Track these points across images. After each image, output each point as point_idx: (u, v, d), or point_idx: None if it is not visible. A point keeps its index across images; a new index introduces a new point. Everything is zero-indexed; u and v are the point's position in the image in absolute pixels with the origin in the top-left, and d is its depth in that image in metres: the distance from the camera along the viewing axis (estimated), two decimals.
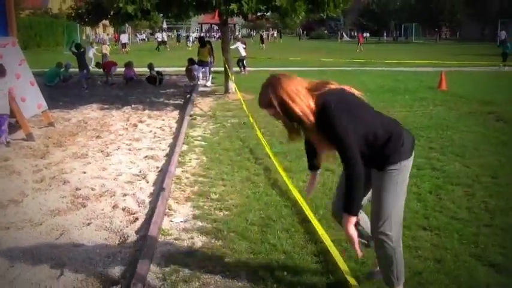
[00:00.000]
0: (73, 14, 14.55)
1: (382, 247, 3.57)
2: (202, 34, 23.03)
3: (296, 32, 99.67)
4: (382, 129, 3.41)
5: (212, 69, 19.81)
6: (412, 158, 3.55)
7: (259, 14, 15.85)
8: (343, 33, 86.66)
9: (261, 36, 55.86)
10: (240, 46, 22.78)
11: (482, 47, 47.68)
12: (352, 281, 3.89)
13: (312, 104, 3.21)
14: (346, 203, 3.32)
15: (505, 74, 22.06)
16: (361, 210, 3.73)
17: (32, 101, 10.37)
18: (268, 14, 15.85)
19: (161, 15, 14.75)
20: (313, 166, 3.95)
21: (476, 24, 65.22)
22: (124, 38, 45.47)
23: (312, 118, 3.20)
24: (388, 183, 3.47)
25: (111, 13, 13.86)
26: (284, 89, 3.19)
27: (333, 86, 3.35)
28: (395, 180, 3.47)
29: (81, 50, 19.26)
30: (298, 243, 4.91)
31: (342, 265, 4.13)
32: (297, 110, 3.19)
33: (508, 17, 52.77)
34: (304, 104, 3.19)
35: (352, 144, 3.21)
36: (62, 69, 19.34)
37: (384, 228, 3.51)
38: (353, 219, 3.28)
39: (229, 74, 15.59)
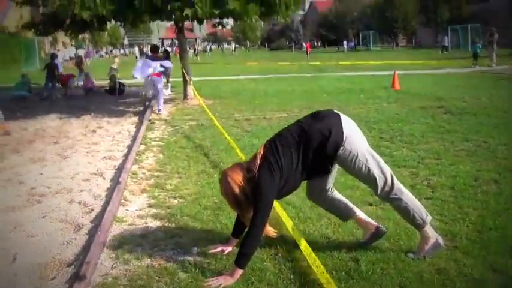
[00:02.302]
0: (27, 23, 14.47)
1: (395, 204, 4.12)
2: (158, 44, 23.07)
3: (257, 44, 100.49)
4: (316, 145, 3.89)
5: (171, 79, 19.84)
6: (347, 125, 3.98)
7: (215, 21, 16.12)
8: (303, 44, 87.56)
9: (195, 49, 58.25)
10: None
11: (433, 52, 48.99)
12: (304, 246, 4.07)
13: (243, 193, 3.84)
14: (239, 258, 3.82)
15: (464, 75, 22.69)
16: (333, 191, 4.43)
17: None
18: (227, 22, 16.07)
19: (118, 24, 14.75)
20: (235, 233, 4.41)
21: (429, 31, 66.86)
22: (80, 52, 45.19)
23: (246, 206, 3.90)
24: (350, 162, 3.97)
25: (67, 22, 13.90)
26: (229, 190, 3.85)
27: (259, 159, 3.88)
28: (352, 154, 3.93)
29: (55, 61, 19.19)
30: None
31: (295, 235, 4.32)
32: (238, 203, 3.90)
33: (457, 23, 54.38)
34: (243, 196, 3.83)
35: (266, 215, 3.83)
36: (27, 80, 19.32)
37: (382, 192, 4.04)
38: (240, 272, 3.81)
39: (187, 79, 15.73)
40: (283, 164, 3.85)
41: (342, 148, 3.89)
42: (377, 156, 4.07)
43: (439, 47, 51.18)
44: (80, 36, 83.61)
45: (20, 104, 16.70)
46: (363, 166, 3.96)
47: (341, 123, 3.96)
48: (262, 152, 3.94)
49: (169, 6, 11.97)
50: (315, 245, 4.16)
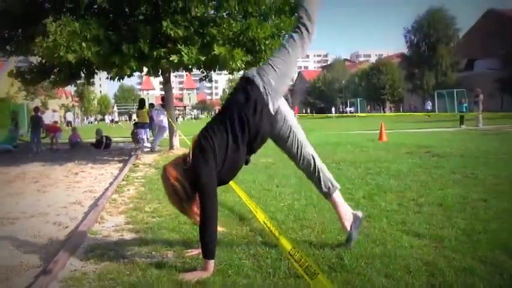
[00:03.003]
0: (15, 72, 14.46)
1: (310, 166, 4.39)
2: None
3: None
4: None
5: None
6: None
7: (202, 75, 16.26)
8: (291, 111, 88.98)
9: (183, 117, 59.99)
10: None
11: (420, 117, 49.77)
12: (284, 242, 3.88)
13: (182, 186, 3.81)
14: (204, 249, 3.75)
15: (450, 132, 22.84)
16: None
17: None
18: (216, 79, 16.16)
19: (106, 77, 14.77)
20: None
21: (416, 97, 68.27)
22: (69, 115, 45.54)
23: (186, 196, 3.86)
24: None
25: (55, 70, 13.95)
26: (168, 184, 3.86)
27: (192, 148, 3.87)
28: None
29: (38, 113, 19.17)
30: (233, 227, 4.95)
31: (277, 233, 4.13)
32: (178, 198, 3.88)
33: (443, 88, 55.64)
34: (182, 189, 3.80)
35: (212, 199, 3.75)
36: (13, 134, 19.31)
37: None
38: (212, 264, 3.73)
39: (174, 127, 15.67)
40: (216, 145, 3.77)
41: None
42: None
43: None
44: (70, 104, 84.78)
45: (4, 155, 16.48)
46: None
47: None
48: (194, 141, 3.89)
49: (155, 52, 12.05)
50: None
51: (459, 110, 28.33)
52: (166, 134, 17.78)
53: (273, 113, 3.98)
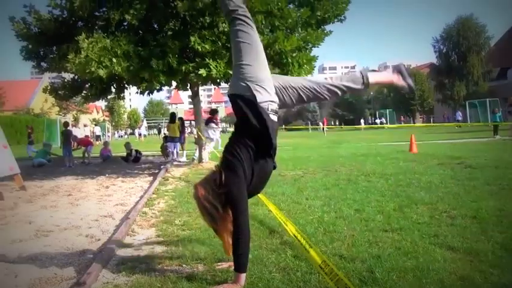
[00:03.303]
0: (49, 88, 14.78)
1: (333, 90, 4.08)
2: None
3: None
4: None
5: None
6: None
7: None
8: (320, 123, 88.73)
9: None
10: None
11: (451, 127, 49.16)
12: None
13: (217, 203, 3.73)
14: (237, 262, 3.73)
15: (483, 143, 22.49)
16: None
17: (4, 163, 10.38)
18: None
19: (136, 91, 14.95)
20: None
21: (447, 108, 67.38)
22: (97, 130, 46.29)
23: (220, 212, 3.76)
24: None
25: (87, 86, 14.19)
26: (199, 203, 3.80)
27: (219, 163, 3.89)
28: None
29: (68, 128, 19.51)
30: (263, 240, 4.93)
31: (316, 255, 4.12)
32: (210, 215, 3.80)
33: (475, 98, 54.77)
34: (212, 207, 3.73)
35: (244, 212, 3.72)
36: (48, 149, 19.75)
37: None
38: (244, 277, 3.72)
39: (203, 139, 15.77)
40: (243, 158, 3.74)
41: None
42: None
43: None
44: (100, 119, 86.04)
45: (39, 169, 16.85)
46: None
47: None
48: (221, 158, 3.90)
49: (184, 67, 12.18)
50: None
51: (493, 120, 27.83)
52: (212, 146, 18.13)
53: (270, 99, 3.85)
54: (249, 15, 3.96)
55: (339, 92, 4.10)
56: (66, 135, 18.85)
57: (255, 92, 3.74)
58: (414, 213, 6.10)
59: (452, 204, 6.58)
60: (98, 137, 45.03)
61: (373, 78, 4.12)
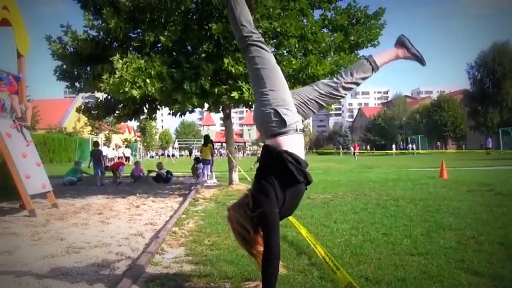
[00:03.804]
0: (82, 107, 15.14)
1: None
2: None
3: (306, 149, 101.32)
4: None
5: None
6: None
7: None
8: (351, 148, 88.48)
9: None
10: None
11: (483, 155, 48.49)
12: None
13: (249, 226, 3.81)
14: (265, 281, 3.70)
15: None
16: None
17: (37, 180, 10.62)
18: None
19: (168, 112, 15.21)
20: None
21: (479, 135, 66.45)
22: (127, 151, 46.99)
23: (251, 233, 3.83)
24: None
25: (119, 106, 14.48)
26: (232, 225, 3.93)
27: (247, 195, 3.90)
28: None
29: (98, 147, 19.91)
30: (290, 261, 4.97)
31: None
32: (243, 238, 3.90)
33: (508, 126, 53.88)
34: (244, 230, 3.83)
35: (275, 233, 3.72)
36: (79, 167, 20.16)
37: None
38: None
39: (234, 162, 15.92)
40: (275, 181, 3.76)
41: None
42: None
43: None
44: (132, 139, 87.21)
45: (70, 188, 17.18)
46: None
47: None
48: (253, 182, 3.94)
49: (216, 89, 12.37)
50: None
51: None
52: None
53: (296, 119, 3.89)
54: (262, 39, 4.04)
55: (355, 86, 4.20)
56: (96, 155, 19.18)
57: (284, 116, 3.78)
58: (441, 238, 6.09)
59: (480, 230, 6.55)
60: (127, 159, 45.68)
61: (379, 60, 4.19)
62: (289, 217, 4.77)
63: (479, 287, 4.06)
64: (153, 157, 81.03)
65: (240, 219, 3.81)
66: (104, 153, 21.61)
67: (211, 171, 19.94)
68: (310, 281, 4.32)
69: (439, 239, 5.97)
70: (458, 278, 4.28)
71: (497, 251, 5.30)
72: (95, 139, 40.38)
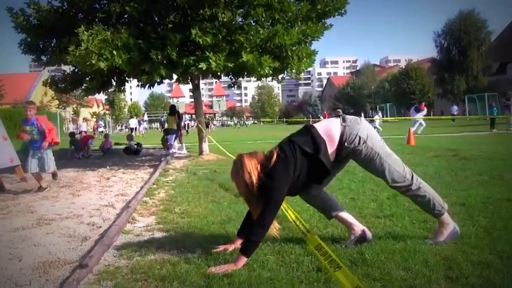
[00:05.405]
0: (49, 81, 14.88)
1: (413, 195, 4.42)
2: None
3: (276, 120, 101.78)
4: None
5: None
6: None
7: (231, 81, 16.46)
8: (321, 117, 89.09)
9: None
10: None
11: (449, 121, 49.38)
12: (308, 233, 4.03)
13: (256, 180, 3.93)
14: (246, 246, 3.90)
15: (480, 136, 22.65)
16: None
17: (4, 154, 10.49)
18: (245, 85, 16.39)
19: (137, 84, 15.09)
20: (241, 234, 4.42)
21: (446, 102, 67.42)
22: (101, 125, 46.75)
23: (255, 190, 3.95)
24: (363, 157, 4.35)
25: (87, 78, 14.28)
26: (243, 172, 3.94)
27: (276, 152, 4.06)
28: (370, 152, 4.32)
29: (75, 137, 19.78)
30: None
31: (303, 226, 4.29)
32: (248, 188, 3.96)
33: (474, 93, 54.80)
34: (253, 183, 3.92)
35: (277, 206, 3.97)
36: None
37: (399, 185, 4.32)
38: (245, 261, 3.84)
39: (203, 132, 15.96)
40: (297, 163, 3.98)
41: (358, 146, 4.22)
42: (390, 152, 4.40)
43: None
44: (101, 112, 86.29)
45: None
46: (376, 161, 4.32)
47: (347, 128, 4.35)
48: (278, 147, 4.10)
49: (184, 60, 12.29)
50: None
51: (490, 114, 27.97)
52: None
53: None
54: None
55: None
56: (75, 144, 19.01)
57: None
58: (406, 201, 6.20)
59: (444, 192, 6.73)
60: (101, 133, 45.36)
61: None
62: None
63: (440, 244, 4.22)
64: (122, 130, 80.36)
65: (252, 169, 3.94)
66: (83, 129, 21.42)
67: (181, 142, 19.94)
68: (279, 244, 4.42)
69: (404, 202, 6.14)
70: (421, 237, 4.45)
71: (459, 212, 5.49)
72: (66, 113, 39.80)
